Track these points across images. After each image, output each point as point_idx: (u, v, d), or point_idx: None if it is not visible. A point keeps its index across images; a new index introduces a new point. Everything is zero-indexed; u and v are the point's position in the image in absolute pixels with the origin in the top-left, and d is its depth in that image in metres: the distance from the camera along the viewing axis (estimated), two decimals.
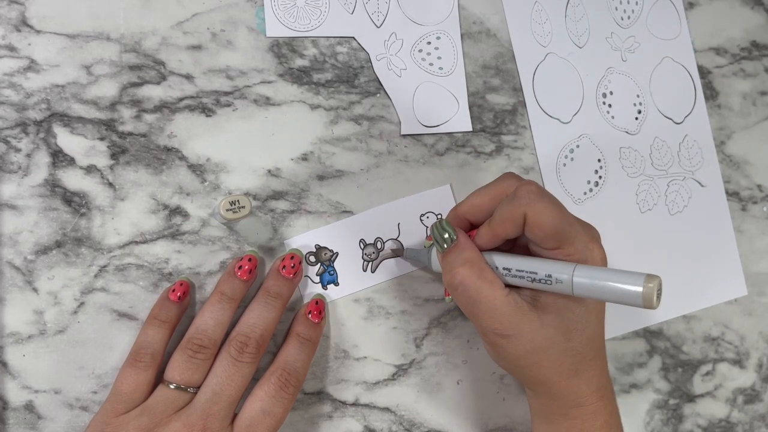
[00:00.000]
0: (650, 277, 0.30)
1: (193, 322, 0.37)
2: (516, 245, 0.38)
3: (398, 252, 0.43)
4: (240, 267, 0.38)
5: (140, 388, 0.35)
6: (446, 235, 0.36)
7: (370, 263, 0.43)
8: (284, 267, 0.39)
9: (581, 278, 0.32)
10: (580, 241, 0.34)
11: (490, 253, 0.36)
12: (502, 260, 0.36)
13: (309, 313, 0.39)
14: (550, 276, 0.33)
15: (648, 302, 0.30)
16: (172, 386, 0.35)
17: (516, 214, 0.34)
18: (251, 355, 0.36)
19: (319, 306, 0.40)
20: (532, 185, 0.34)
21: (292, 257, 0.39)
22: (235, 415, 0.35)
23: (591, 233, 0.36)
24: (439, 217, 0.44)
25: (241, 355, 0.35)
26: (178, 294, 0.37)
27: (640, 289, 0.30)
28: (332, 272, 0.42)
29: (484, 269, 0.35)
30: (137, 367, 0.35)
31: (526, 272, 0.34)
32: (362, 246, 0.43)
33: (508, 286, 0.35)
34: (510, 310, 0.34)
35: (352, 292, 0.42)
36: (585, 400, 0.36)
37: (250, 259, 0.38)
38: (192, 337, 0.36)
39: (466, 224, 0.39)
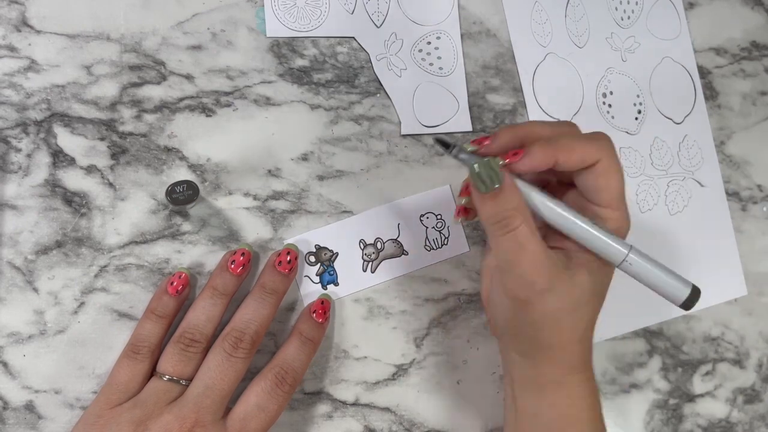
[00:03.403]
0: (697, 290, 0.34)
1: (185, 316, 0.37)
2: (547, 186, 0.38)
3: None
4: (233, 262, 0.38)
5: (135, 379, 0.35)
6: (495, 177, 0.33)
7: (370, 263, 0.43)
8: (280, 262, 0.39)
9: (636, 258, 0.35)
10: (626, 213, 0.36)
11: (541, 194, 0.35)
12: (553, 205, 0.35)
13: (313, 312, 0.40)
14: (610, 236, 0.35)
15: (686, 307, 0.35)
16: (164, 378, 0.35)
17: (591, 153, 0.34)
18: (245, 351, 0.36)
19: (325, 306, 0.40)
20: (613, 142, 0.35)
21: (288, 252, 0.39)
22: (228, 410, 0.35)
23: (628, 215, 0.37)
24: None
25: (236, 350, 0.35)
26: (177, 288, 0.37)
27: (687, 292, 0.34)
28: (332, 272, 0.42)
29: (531, 219, 0.34)
30: (134, 358, 0.35)
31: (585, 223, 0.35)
32: (362, 246, 0.43)
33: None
34: (551, 263, 0.34)
35: (352, 292, 0.42)
36: (584, 366, 0.36)
37: (243, 254, 0.38)
38: (184, 331, 0.36)
39: (511, 146, 0.35)
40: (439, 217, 0.44)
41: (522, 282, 0.34)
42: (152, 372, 0.36)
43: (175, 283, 0.37)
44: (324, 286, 0.42)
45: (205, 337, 0.36)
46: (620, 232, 0.36)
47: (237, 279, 0.38)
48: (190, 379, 0.35)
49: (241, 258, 0.38)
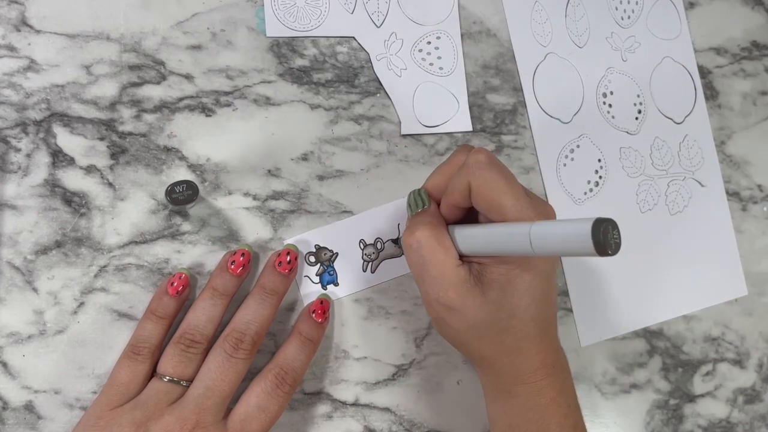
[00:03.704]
0: (600, 220, 0.27)
1: (185, 316, 0.37)
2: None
3: (399, 251, 0.43)
4: (233, 262, 0.38)
5: (136, 380, 0.35)
6: (420, 202, 0.38)
7: (370, 263, 0.43)
8: (280, 263, 0.39)
9: (538, 229, 0.30)
10: (525, 215, 0.33)
11: (455, 225, 0.37)
12: (462, 228, 0.36)
13: (313, 312, 0.39)
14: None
15: (600, 247, 0.27)
16: (165, 379, 0.35)
17: (462, 184, 0.34)
18: (246, 352, 0.36)
19: (324, 306, 0.40)
20: (481, 154, 0.34)
21: (288, 253, 0.39)
22: (228, 411, 0.35)
23: (540, 209, 0.35)
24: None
25: (236, 351, 0.35)
26: (177, 288, 0.37)
27: (587, 228, 0.27)
28: (332, 272, 0.42)
29: (444, 236, 0.36)
30: (135, 359, 0.35)
31: (485, 232, 0.34)
32: (362, 246, 0.43)
33: (462, 258, 0.35)
34: (457, 280, 0.34)
35: (352, 292, 0.42)
36: (528, 377, 0.36)
37: (243, 254, 0.38)
38: (184, 332, 0.36)
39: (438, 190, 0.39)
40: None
41: (429, 299, 0.36)
42: (153, 373, 0.36)
43: (175, 284, 0.37)
44: (324, 287, 0.42)
45: (205, 337, 0.36)
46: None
47: (237, 279, 0.38)
48: (190, 380, 0.35)
49: (241, 258, 0.38)
